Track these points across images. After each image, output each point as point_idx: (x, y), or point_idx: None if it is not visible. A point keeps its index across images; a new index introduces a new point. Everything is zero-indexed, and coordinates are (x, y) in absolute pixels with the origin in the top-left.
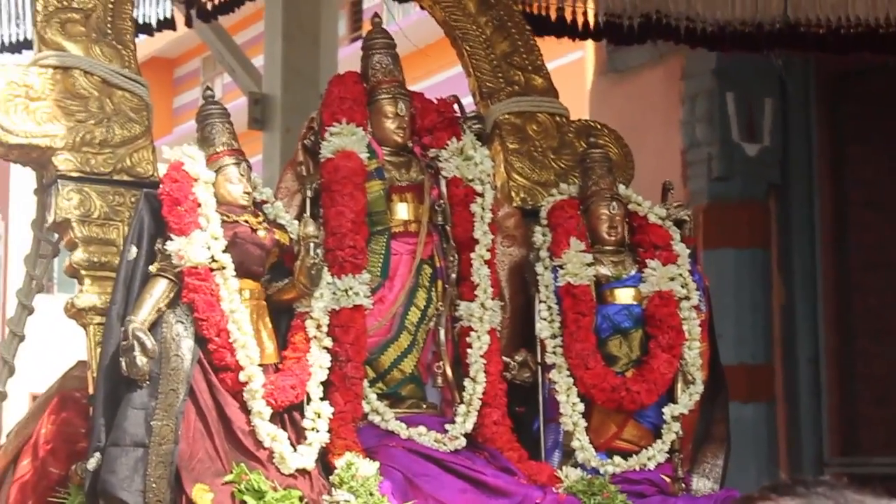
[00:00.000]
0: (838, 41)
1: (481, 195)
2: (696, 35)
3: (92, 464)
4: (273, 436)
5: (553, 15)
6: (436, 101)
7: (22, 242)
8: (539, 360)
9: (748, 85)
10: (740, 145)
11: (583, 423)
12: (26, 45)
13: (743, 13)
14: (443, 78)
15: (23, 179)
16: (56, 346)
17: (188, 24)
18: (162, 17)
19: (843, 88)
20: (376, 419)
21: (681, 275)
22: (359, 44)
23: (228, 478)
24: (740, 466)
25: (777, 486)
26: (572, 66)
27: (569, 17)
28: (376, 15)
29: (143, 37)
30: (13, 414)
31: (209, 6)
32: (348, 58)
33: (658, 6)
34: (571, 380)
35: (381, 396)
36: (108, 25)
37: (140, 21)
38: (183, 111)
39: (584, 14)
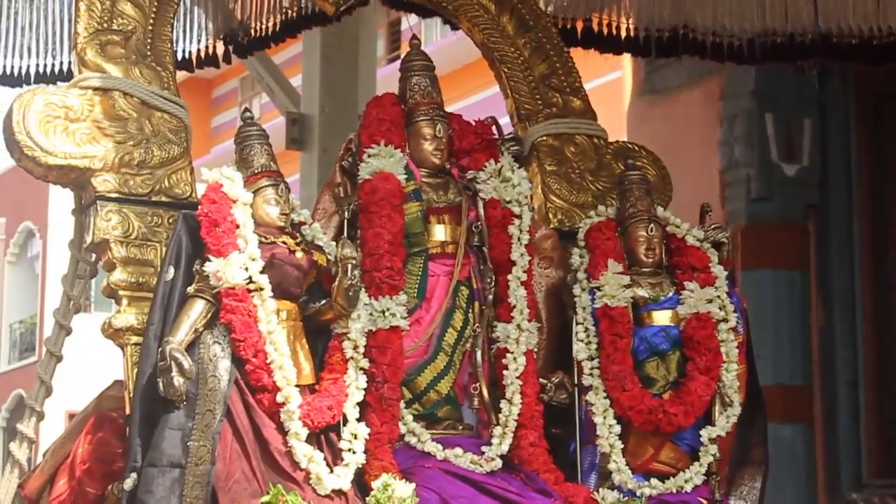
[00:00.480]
0: (871, 51)
1: (519, 217)
2: (724, 50)
3: (129, 484)
4: (310, 456)
5: (579, 27)
6: (474, 123)
7: (59, 262)
8: (576, 381)
9: (787, 105)
10: (779, 166)
11: (619, 444)
12: (60, 76)
13: (773, 23)
14: (480, 98)
15: (61, 200)
16: (93, 365)
17: (227, 60)
18: (203, 53)
19: (883, 109)
20: (413, 440)
21: (719, 297)
22: (397, 64)
23: (265, 499)
24: (777, 487)
25: None
26: (610, 86)
27: (595, 29)
28: (414, 37)
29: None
30: (50, 432)
31: (245, 41)
32: (386, 78)
33: (686, 20)
34: (608, 402)
35: (417, 417)
36: (148, 47)
37: (180, 56)
38: (221, 131)
39: (609, 26)
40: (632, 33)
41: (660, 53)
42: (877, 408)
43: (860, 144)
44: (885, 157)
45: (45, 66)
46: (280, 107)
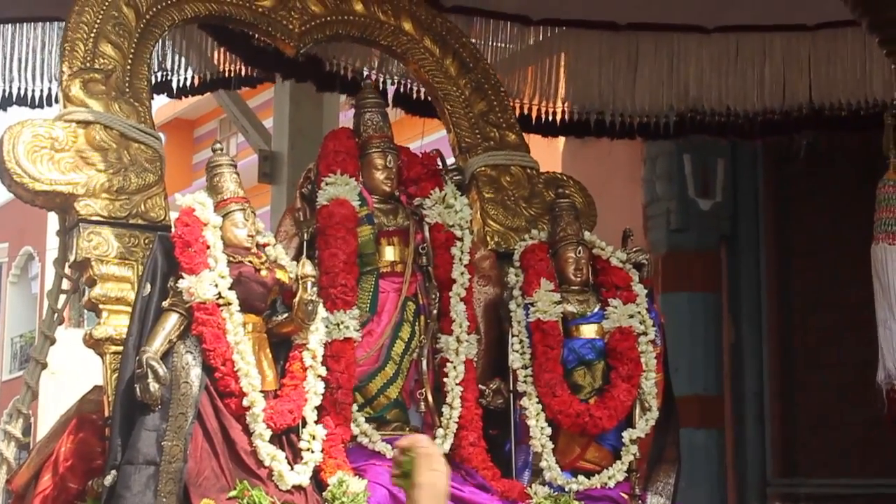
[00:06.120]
0: (858, 122)
1: (460, 239)
2: (727, 128)
3: (108, 480)
4: (272, 455)
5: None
6: (420, 155)
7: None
8: (511, 388)
9: (703, 147)
10: (695, 200)
11: (550, 445)
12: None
13: (772, 102)
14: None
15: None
16: (86, 375)
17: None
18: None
19: (787, 150)
20: (364, 440)
21: (639, 312)
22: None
23: (232, 494)
24: (693, 484)
25: None
26: None
27: (608, 121)
28: (368, 77)
29: (167, 100)
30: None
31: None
32: (348, 121)
33: (694, 105)
34: (540, 406)
35: (368, 420)
36: (127, 85)
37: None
38: (201, 166)
39: (622, 117)
40: (643, 121)
41: (667, 136)
42: (780, 415)
43: (767, 183)
44: (789, 195)
45: (38, 90)
46: (253, 145)
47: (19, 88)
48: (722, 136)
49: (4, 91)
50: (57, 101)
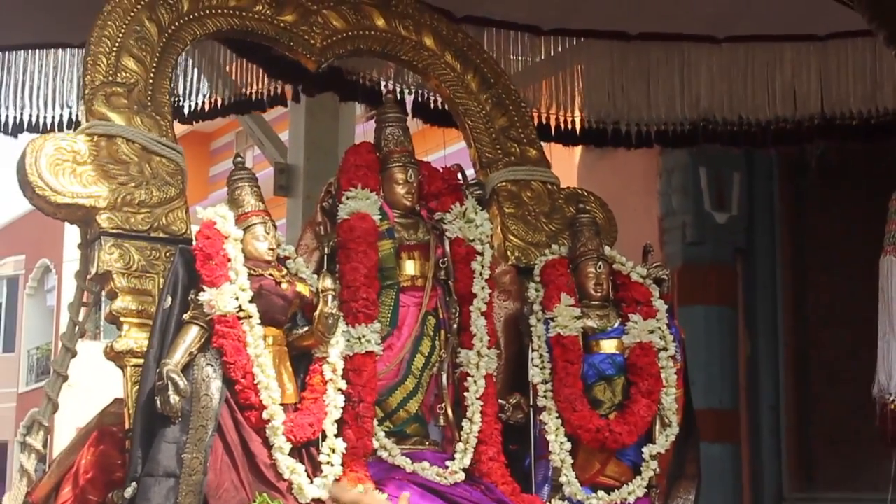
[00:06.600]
0: (869, 131)
1: (481, 254)
2: (740, 137)
3: (128, 492)
4: (292, 468)
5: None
6: (441, 170)
7: (72, 295)
8: (531, 402)
9: (718, 160)
10: (711, 214)
11: (570, 460)
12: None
13: (784, 111)
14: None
15: (75, 240)
16: (100, 387)
17: (296, 99)
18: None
19: (802, 163)
20: (384, 454)
21: (659, 328)
22: (374, 122)
23: None
24: (708, 499)
25: None
26: None
27: (623, 130)
28: (389, 91)
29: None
30: (63, 445)
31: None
32: (364, 133)
33: (706, 114)
34: (560, 421)
35: (388, 434)
36: (149, 99)
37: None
38: (218, 179)
39: (638, 125)
40: (661, 129)
41: (679, 144)
42: (796, 429)
43: (782, 196)
44: (804, 208)
45: (56, 116)
46: (269, 158)
47: (30, 115)
48: (735, 145)
49: (16, 118)
50: (68, 128)
